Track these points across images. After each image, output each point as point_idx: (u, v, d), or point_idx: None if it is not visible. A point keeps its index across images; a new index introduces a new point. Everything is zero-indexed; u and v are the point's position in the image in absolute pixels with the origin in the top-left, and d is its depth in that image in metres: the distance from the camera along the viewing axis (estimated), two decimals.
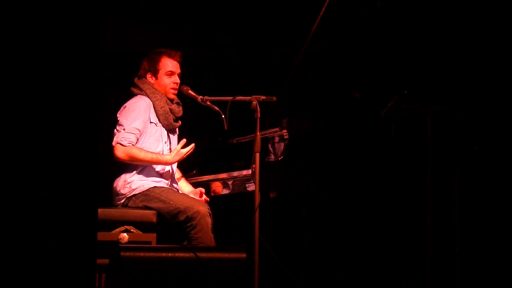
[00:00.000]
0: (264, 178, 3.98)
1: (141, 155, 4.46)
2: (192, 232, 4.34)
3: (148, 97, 4.58)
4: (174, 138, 4.73)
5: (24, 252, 2.76)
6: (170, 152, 4.61)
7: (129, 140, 4.46)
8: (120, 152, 4.45)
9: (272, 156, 4.39)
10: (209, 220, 4.37)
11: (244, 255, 3.84)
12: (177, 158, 4.50)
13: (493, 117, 4.70)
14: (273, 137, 4.43)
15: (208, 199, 4.61)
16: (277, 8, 5.71)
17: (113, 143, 4.47)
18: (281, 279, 4.53)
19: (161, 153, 4.56)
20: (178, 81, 4.65)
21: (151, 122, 4.55)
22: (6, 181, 2.75)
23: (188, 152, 4.50)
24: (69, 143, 2.83)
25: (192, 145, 4.51)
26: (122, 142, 4.45)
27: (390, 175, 4.55)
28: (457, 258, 4.52)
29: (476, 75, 4.76)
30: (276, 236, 4.70)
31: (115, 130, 4.51)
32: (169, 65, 4.65)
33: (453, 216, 4.53)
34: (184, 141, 4.50)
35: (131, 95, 4.64)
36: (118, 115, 4.56)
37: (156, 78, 4.64)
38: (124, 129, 4.46)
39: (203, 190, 4.63)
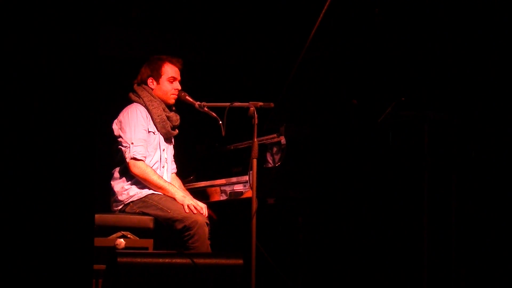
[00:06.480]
0: (262, 184, 3.98)
1: (154, 178, 4.45)
2: (190, 241, 4.33)
3: (146, 105, 4.57)
4: (170, 147, 4.73)
5: (21, 257, 2.76)
6: (166, 160, 4.61)
7: (141, 153, 4.45)
8: (136, 168, 4.44)
9: (270, 163, 4.39)
10: (206, 229, 4.37)
11: (241, 261, 3.83)
12: (187, 201, 4.40)
13: (490, 124, 4.71)
14: (271, 143, 4.43)
15: (213, 215, 4.55)
16: (275, 14, 5.72)
17: (127, 160, 4.44)
18: (278, 285, 4.52)
19: (159, 161, 4.56)
20: (179, 87, 4.66)
21: (149, 132, 4.55)
22: (4, 186, 2.75)
23: (199, 208, 4.38)
24: (66, 149, 2.83)
25: (205, 210, 4.42)
26: (136, 156, 4.43)
27: (387, 182, 4.55)
28: (454, 272, 4.52)
29: (474, 82, 4.77)
30: (273, 242, 4.69)
31: (121, 147, 4.48)
32: (172, 71, 4.66)
33: (451, 225, 4.53)
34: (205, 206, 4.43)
35: (128, 101, 4.64)
36: (116, 128, 4.52)
37: (158, 83, 4.64)
38: (132, 143, 4.45)
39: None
